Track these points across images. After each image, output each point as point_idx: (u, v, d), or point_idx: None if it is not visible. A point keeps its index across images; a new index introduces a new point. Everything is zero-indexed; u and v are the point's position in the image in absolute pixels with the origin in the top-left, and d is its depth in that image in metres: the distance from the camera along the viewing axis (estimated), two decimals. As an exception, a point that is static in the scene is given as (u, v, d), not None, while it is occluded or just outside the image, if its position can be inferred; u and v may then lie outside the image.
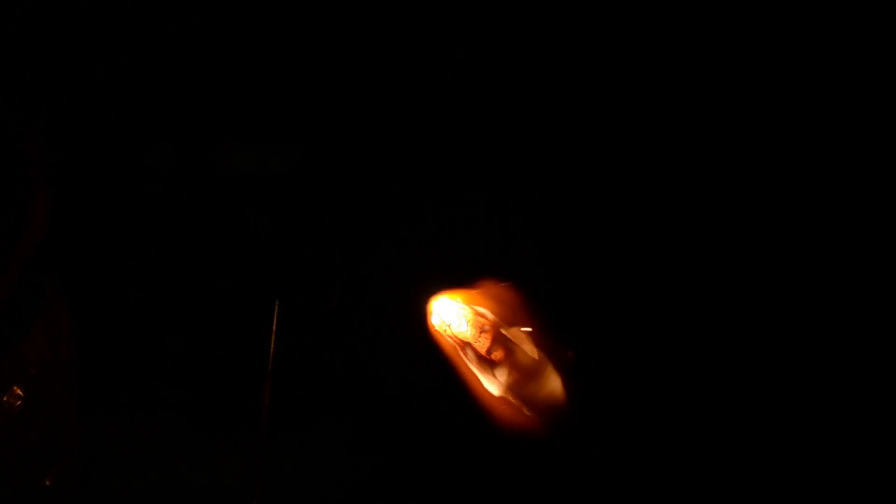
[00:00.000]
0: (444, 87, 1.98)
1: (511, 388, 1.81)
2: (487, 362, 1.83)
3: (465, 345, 1.83)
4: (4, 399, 1.13)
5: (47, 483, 1.19)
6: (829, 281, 1.89)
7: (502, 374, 1.82)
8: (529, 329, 1.84)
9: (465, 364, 1.81)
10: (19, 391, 1.14)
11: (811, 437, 1.83)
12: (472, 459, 1.99)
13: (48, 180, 0.92)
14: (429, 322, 1.83)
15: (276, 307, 1.92)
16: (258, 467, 1.94)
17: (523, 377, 1.83)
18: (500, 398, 1.79)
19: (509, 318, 1.85)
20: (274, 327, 1.94)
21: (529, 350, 1.85)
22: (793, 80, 1.92)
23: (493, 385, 1.79)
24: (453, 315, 1.87)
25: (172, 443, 2.05)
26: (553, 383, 1.82)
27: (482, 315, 1.87)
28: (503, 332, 1.86)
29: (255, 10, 1.96)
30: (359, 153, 2.02)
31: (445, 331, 1.85)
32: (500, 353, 1.84)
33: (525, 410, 1.79)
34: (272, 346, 1.94)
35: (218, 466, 2.05)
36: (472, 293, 1.87)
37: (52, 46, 1.83)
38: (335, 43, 2.00)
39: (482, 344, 1.85)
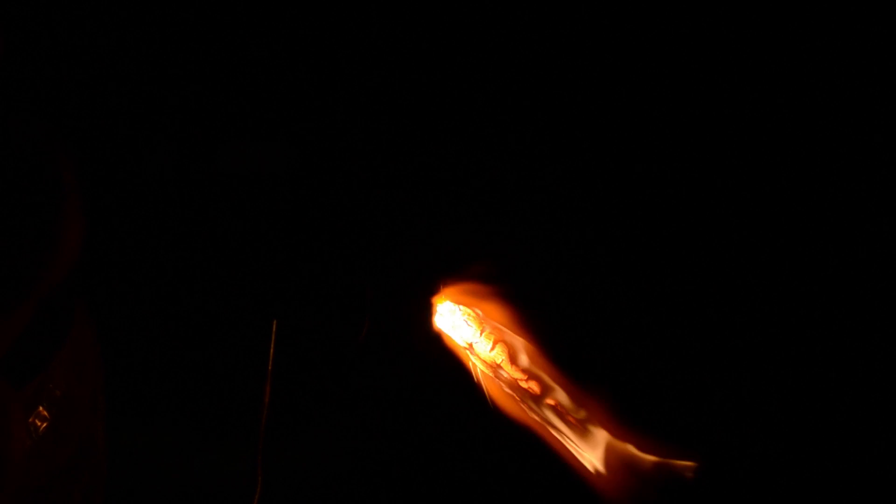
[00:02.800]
0: (451, 89, 1.98)
1: (516, 388, 1.83)
2: (491, 365, 1.85)
3: (468, 347, 1.85)
4: (30, 420, 1.13)
5: (74, 501, 1.20)
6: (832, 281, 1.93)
7: (506, 376, 1.84)
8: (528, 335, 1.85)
9: (474, 365, 1.83)
10: (45, 412, 1.14)
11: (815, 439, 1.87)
12: (475, 458, 2.01)
13: (83, 207, 0.91)
14: (434, 322, 1.84)
15: (274, 324, 1.91)
16: (258, 467, 1.95)
17: (527, 377, 1.85)
18: (510, 396, 1.81)
19: (512, 318, 1.87)
20: (273, 329, 1.94)
21: (531, 349, 1.88)
22: (792, 80, 1.95)
23: (502, 385, 1.82)
24: (455, 317, 1.88)
25: (173, 444, 2.06)
26: (556, 381, 1.85)
27: (484, 317, 1.89)
28: (505, 333, 1.88)
29: (254, 10, 1.95)
30: (359, 154, 2.02)
31: (448, 333, 1.87)
32: (502, 354, 1.86)
33: (529, 412, 1.81)
34: (272, 347, 1.94)
35: (218, 466, 2.06)
36: (473, 294, 1.89)
37: (50, 47, 1.80)
38: (334, 43, 1.99)
39: (483, 345, 1.87)
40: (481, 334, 1.86)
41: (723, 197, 1.98)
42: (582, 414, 1.84)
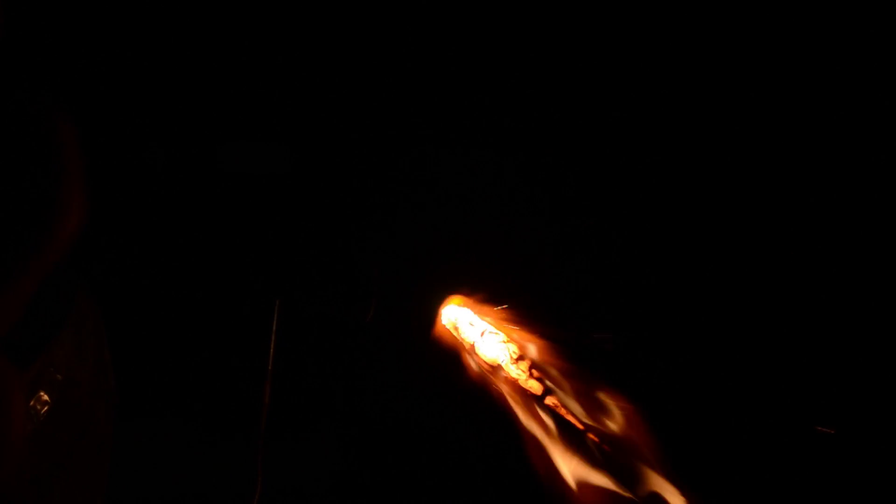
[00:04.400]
0: (466, 86, 1.99)
1: (516, 388, 1.84)
2: (492, 365, 1.85)
3: (470, 347, 1.86)
4: (31, 404, 1.13)
5: (75, 486, 1.20)
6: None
7: (506, 376, 1.84)
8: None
9: (475, 365, 1.83)
10: (46, 396, 1.14)
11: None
12: (475, 458, 2.00)
13: (85, 177, 0.91)
14: (439, 323, 1.85)
15: (277, 307, 1.92)
16: (258, 467, 1.95)
17: (527, 377, 1.85)
18: (509, 396, 1.81)
19: (514, 319, 1.87)
20: (274, 327, 1.94)
21: (533, 349, 1.88)
22: (792, 80, 1.95)
23: (502, 385, 1.82)
24: (458, 317, 1.89)
25: (172, 443, 2.05)
26: (556, 382, 1.85)
27: (486, 318, 1.89)
28: (507, 333, 1.88)
29: (254, 10, 1.96)
30: (362, 152, 2.02)
31: (451, 332, 1.87)
32: (504, 354, 1.86)
33: (528, 412, 1.81)
34: (272, 346, 1.94)
35: (218, 466, 2.05)
36: (477, 294, 1.89)
37: (49, 46, 1.81)
38: (333, 42, 2.00)
39: (485, 346, 1.87)
40: (483, 335, 1.87)
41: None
42: (580, 415, 1.84)
